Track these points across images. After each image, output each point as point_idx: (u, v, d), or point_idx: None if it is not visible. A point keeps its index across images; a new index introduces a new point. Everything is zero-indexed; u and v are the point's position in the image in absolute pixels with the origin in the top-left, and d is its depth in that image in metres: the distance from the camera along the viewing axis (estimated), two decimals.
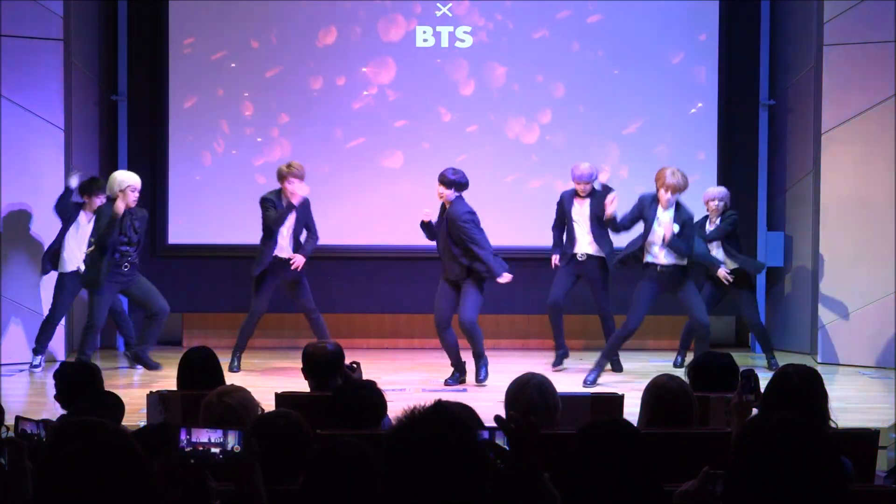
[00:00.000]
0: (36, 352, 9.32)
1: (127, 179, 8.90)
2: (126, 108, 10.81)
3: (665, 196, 8.50)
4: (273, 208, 9.07)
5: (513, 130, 10.76)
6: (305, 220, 9.27)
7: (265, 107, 10.75)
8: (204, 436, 2.84)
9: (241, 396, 4.10)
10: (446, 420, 2.41)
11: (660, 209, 8.58)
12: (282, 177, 9.10)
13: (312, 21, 10.74)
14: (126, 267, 8.91)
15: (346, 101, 10.75)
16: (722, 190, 9.61)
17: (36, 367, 9.28)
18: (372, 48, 10.75)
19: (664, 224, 8.53)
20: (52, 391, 5.30)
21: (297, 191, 9.04)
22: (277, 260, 9.17)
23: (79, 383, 5.21)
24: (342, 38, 10.74)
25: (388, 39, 10.75)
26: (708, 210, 9.51)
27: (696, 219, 8.95)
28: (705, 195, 9.55)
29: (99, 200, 9.21)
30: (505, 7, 10.75)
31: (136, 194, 8.89)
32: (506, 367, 9.32)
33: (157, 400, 5.29)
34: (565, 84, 10.73)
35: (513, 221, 10.29)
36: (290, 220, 9.15)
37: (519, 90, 10.74)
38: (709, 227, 9.49)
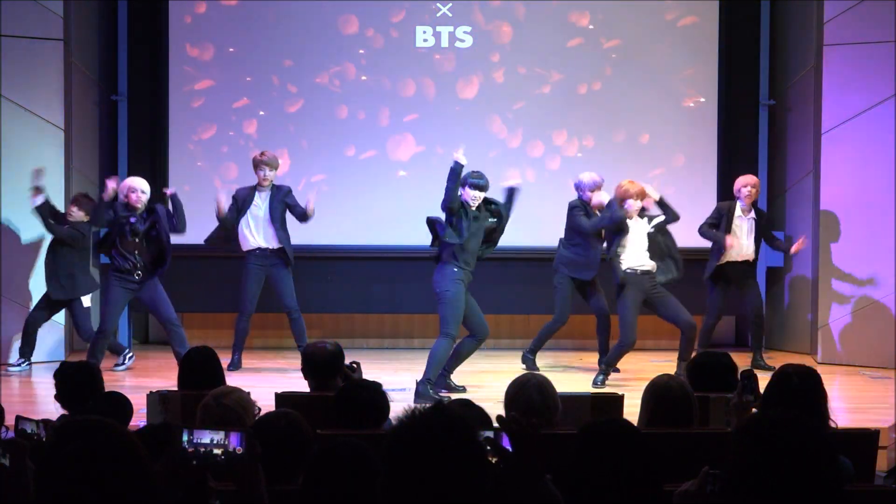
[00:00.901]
0: (23, 355, 9.32)
1: (126, 182, 8.96)
2: (126, 108, 10.81)
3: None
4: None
5: (515, 134, 10.76)
6: (286, 206, 9.27)
7: (266, 107, 10.74)
8: (206, 436, 2.84)
9: (239, 397, 4.09)
10: (446, 420, 2.41)
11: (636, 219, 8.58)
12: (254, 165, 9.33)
13: (325, 12, 10.73)
14: (138, 276, 8.78)
15: (349, 103, 10.75)
16: (751, 177, 9.50)
17: (19, 367, 9.29)
18: (376, 52, 10.76)
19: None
20: (53, 391, 5.30)
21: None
22: (252, 254, 9.24)
23: (79, 383, 5.21)
24: (350, 41, 10.75)
25: (392, 43, 10.76)
26: (741, 197, 9.37)
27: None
28: (738, 182, 9.43)
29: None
30: (505, 8, 10.76)
31: (136, 195, 8.82)
32: (506, 367, 9.33)
33: (157, 400, 5.29)
34: (563, 84, 10.73)
35: (513, 221, 10.27)
36: (258, 209, 9.21)
37: (519, 90, 10.73)
38: (740, 216, 9.38)
